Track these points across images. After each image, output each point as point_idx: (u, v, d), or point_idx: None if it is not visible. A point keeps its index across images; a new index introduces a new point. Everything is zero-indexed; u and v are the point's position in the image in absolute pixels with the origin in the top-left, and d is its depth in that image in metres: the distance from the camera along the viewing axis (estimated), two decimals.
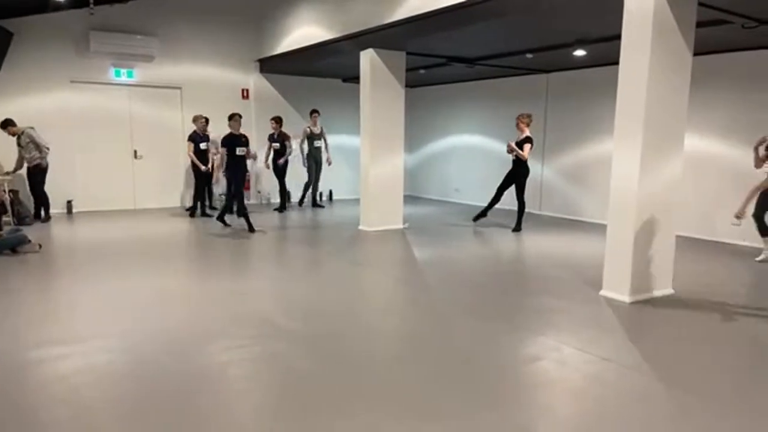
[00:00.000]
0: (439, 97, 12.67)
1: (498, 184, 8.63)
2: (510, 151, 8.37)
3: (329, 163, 11.00)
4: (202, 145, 9.56)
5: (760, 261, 6.55)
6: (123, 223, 9.05)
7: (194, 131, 9.56)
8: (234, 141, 8.21)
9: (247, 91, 11.39)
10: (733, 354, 3.92)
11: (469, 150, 12.03)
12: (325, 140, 10.95)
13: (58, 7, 9.17)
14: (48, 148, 8.87)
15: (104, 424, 2.84)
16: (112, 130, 10.15)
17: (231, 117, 8.24)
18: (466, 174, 12.18)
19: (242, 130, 8.40)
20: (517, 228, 8.54)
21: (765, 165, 6.12)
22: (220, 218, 8.81)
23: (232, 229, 8.61)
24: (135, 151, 10.38)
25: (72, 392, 3.15)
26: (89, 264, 6.27)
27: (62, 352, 3.70)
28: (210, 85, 10.90)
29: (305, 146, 10.95)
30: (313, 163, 10.98)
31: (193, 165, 9.52)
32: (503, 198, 8.70)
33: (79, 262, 6.47)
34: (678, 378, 3.44)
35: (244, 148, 8.33)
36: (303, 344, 3.97)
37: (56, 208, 9.58)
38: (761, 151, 6.11)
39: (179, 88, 10.63)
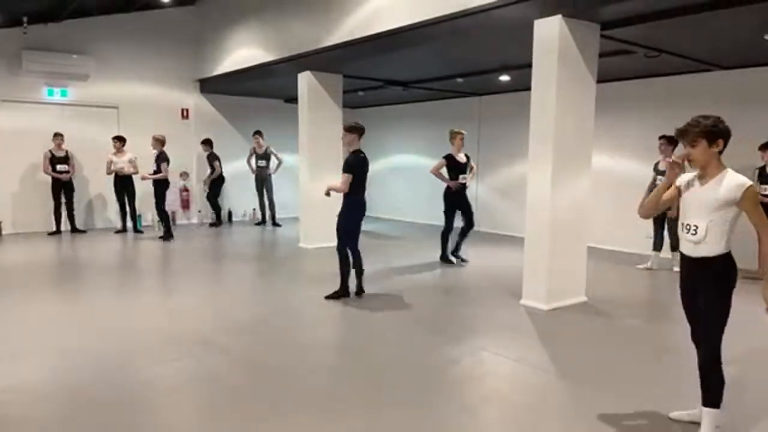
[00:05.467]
0: (381, 118, 13.03)
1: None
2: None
3: (269, 174, 11.22)
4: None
5: (643, 269, 7.22)
6: (51, 245, 8.87)
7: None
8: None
9: (187, 110, 11.41)
10: (629, 352, 4.32)
11: (409, 169, 12.42)
12: (276, 158, 11.17)
13: None
14: None
15: None
16: (45, 149, 9.93)
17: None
18: (407, 192, 12.54)
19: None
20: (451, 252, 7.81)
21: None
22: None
23: (172, 245, 8.59)
24: (74, 171, 10.16)
25: None
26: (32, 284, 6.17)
27: None
28: (148, 104, 10.85)
29: (253, 165, 11.19)
30: (260, 182, 11.19)
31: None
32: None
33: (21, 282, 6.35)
34: (577, 374, 3.80)
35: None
36: (233, 358, 4.11)
37: None
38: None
39: (116, 107, 10.54)
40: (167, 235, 9.38)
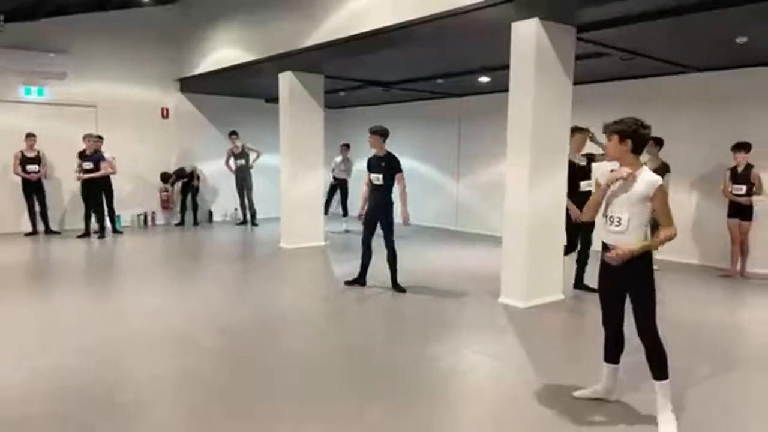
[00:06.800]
0: (364, 118, 13.02)
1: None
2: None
3: (250, 168, 11.23)
4: (85, 164, 9.42)
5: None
6: (27, 246, 8.75)
7: (83, 150, 9.47)
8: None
9: (167, 110, 11.32)
10: (596, 348, 4.40)
11: None
12: (254, 151, 11.16)
13: None
14: None
15: None
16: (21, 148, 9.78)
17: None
18: None
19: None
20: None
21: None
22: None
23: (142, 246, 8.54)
24: (45, 172, 10.03)
25: None
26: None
27: None
28: (127, 103, 10.75)
29: (232, 165, 11.19)
30: (240, 182, 11.20)
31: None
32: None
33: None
34: (554, 370, 3.88)
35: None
36: (215, 357, 4.11)
37: None
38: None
39: (94, 106, 10.42)
40: (102, 233, 9.55)
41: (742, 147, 6.74)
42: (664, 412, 3.03)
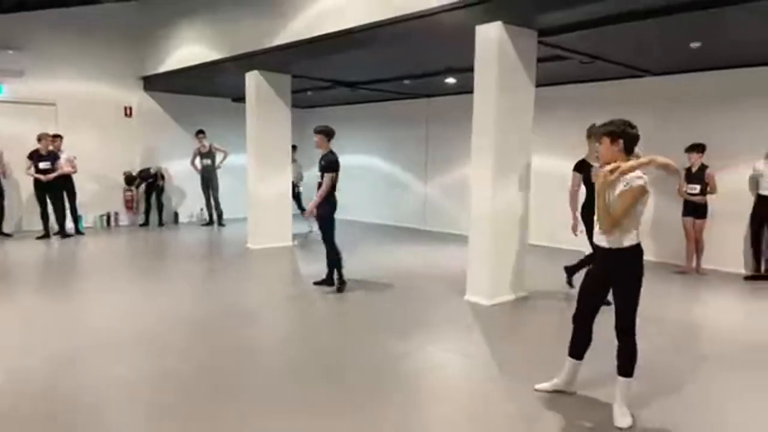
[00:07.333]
0: (333, 118, 12.99)
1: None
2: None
3: (217, 168, 11.15)
4: (42, 164, 9.19)
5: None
6: None
7: (36, 150, 9.21)
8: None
9: (130, 108, 11.11)
10: (566, 343, 4.53)
11: (358, 169, 12.48)
12: (221, 151, 11.06)
13: None
14: None
15: None
16: None
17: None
18: (355, 192, 12.59)
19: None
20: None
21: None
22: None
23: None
24: (3, 172, 9.74)
25: None
26: None
27: None
28: (89, 101, 10.50)
29: (198, 165, 11.07)
30: (206, 182, 11.10)
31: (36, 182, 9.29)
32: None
33: None
34: (516, 365, 3.99)
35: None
36: (184, 358, 4.08)
37: None
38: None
39: (54, 104, 10.16)
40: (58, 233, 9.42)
41: (696, 148, 7.01)
42: (622, 407, 3.13)
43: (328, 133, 5.99)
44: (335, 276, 6.13)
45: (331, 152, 5.94)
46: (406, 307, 5.55)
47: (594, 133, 3.18)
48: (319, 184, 5.93)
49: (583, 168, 5.55)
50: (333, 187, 5.91)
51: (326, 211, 5.96)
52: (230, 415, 3.18)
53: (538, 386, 3.53)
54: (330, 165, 5.88)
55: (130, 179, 10.86)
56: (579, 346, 3.40)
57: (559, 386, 3.48)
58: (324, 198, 5.87)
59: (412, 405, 3.40)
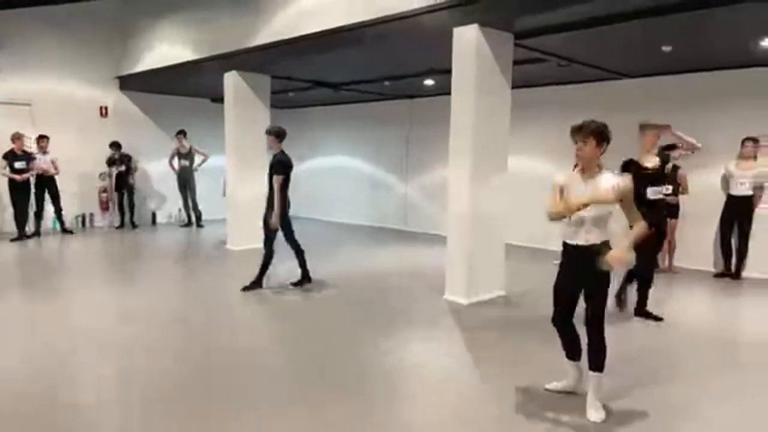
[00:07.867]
0: (315, 118, 13.00)
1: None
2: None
3: (195, 170, 11.07)
4: (18, 164, 9.10)
5: (558, 264, 7.62)
6: None
7: (11, 150, 9.09)
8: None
9: (106, 108, 10.97)
10: (541, 341, 4.61)
11: (340, 170, 12.49)
12: (201, 154, 10.98)
13: None
14: None
15: None
16: None
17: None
18: (337, 193, 12.61)
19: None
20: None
21: None
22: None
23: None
24: None
25: None
26: None
27: None
28: (64, 101, 10.35)
29: (176, 165, 10.97)
30: (183, 182, 11.01)
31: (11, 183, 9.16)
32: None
33: None
34: (493, 363, 4.07)
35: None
36: (167, 359, 4.07)
37: None
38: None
39: (28, 104, 9.99)
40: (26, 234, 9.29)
41: (669, 149, 7.15)
42: (594, 401, 3.21)
43: (279, 134, 5.88)
44: (262, 277, 6.12)
45: (283, 153, 5.86)
46: (387, 305, 5.60)
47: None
48: (271, 186, 5.81)
49: (630, 168, 4.84)
50: (285, 187, 5.82)
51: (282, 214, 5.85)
52: (211, 417, 3.19)
53: (548, 386, 3.55)
54: (280, 166, 5.77)
55: (111, 161, 10.68)
56: (570, 348, 3.42)
57: (568, 388, 3.49)
58: (281, 202, 5.73)
59: (396, 400, 3.44)
